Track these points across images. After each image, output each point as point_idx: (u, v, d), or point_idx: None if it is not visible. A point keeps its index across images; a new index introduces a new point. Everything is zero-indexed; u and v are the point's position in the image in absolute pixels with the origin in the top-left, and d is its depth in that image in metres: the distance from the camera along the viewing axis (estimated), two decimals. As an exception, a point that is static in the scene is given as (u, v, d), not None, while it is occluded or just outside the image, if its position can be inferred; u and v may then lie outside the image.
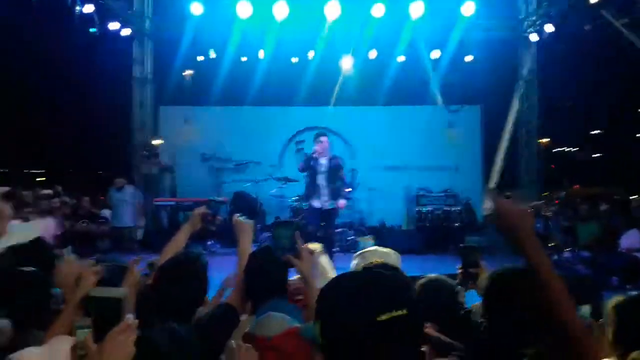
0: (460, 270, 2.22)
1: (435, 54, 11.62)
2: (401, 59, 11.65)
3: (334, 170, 7.07)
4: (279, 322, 1.69)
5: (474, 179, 11.23)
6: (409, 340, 0.96)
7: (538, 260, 1.46)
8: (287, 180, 9.91)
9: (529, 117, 11.83)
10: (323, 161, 7.12)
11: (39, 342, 2.34)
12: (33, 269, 2.59)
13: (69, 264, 2.18)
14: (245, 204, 9.84)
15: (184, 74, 12.11)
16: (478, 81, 11.00)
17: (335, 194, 6.98)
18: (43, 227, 7.43)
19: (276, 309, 1.93)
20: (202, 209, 2.78)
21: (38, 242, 2.68)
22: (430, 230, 9.88)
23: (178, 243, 2.60)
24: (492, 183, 13.99)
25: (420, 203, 10.32)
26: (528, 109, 11.84)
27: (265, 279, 2.14)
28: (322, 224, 6.87)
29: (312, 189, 7.12)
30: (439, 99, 12.17)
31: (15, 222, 6.93)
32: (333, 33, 10.59)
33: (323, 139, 7.24)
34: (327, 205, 6.89)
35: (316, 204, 7.03)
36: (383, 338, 0.93)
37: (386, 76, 11.62)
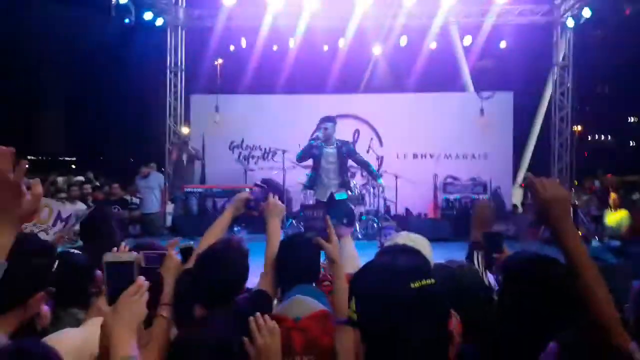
0: (483, 256, 2.22)
1: (467, 40, 11.44)
2: (432, 45, 11.51)
3: (344, 158, 6.40)
4: (306, 304, 1.72)
5: (504, 168, 11.06)
6: (437, 309, 1.02)
7: (574, 244, 1.44)
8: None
9: (562, 104, 11.56)
10: (330, 150, 6.49)
11: (77, 322, 2.46)
12: (79, 252, 2.72)
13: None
14: (273, 190, 9.92)
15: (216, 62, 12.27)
16: (511, 67, 10.78)
17: (345, 186, 6.28)
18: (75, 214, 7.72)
19: (303, 293, 1.94)
20: (245, 194, 2.72)
21: None
22: (457, 219, 9.78)
23: (221, 227, 2.55)
24: (522, 173, 13.79)
25: (447, 191, 10.23)
26: (562, 95, 11.57)
27: (297, 266, 2.15)
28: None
29: (317, 181, 6.46)
30: (471, 85, 12.00)
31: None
32: (364, 20, 10.52)
33: (328, 124, 6.55)
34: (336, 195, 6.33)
35: (322, 197, 6.32)
36: (415, 305, 0.99)
37: (416, 63, 11.52)
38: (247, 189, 2.72)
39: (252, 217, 3.33)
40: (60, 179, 12.38)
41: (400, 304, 0.98)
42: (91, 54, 15.21)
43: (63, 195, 8.09)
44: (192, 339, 1.78)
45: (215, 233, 2.49)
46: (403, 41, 11.38)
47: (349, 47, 11.43)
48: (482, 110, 11.15)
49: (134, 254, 1.46)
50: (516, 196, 12.43)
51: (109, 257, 1.41)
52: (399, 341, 0.99)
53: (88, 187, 9.86)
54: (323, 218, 2.16)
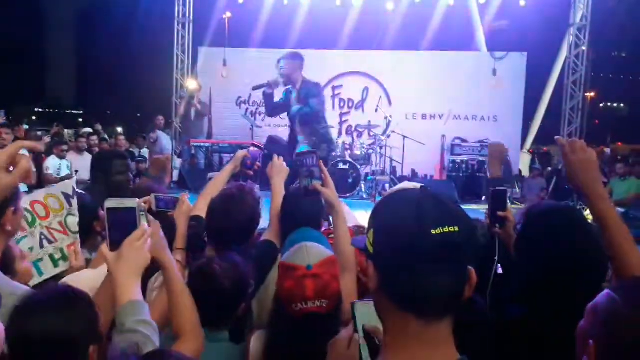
0: (487, 214, 2.22)
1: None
2: (448, 2, 11.20)
3: (305, 102, 5.59)
4: (315, 251, 1.73)
5: (513, 130, 10.94)
6: (457, 259, 0.96)
7: (604, 206, 1.47)
8: (322, 125, 9.89)
9: (577, 67, 11.32)
10: (295, 94, 5.73)
11: (86, 261, 2.51)
12: (84, 192, 2.76)
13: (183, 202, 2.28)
14: (278, 148, 9.90)
15: (223, 15, 12.02)
16: (526, 27, 10.49)
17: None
18: (84, 165, 7.80)
19: (304, 237, 1.95)
20: (243, 152, 2.84)
21: None
22: (462, 181, 9.77)
23: (221, 181, 2.66)
24: (532, 137, 13.65)
25: (455, 153, 10.17)
26: (576, 58, 11.31)
27: (299, 213, 2.19)
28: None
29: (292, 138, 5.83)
30: (484, 45, 11.75)
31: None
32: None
33: (283, 62, 5.68)
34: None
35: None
36: (433, 253, 0.93)
37: (430, 21, 11.26)
38: (254, 149, 2.76)
39: (254, 175, 3.39)
40: (67, 131, 12.41)
41: (417, 249, 0.93)
42: (100, 5, 14.95)
43: (65, 147, 8.08)
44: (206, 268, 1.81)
45: (216, 186, 2.57)
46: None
47: (362, 2, 11.16)
48: (494, 71, 10.94)
49: (136, 199, 1.45)
50: (524, 161, 12.36)
51: (111, 202, 1.39)
52: (412, 283, 0.95)
53: (95, 139, 9.87)
54: (317, 164, 2.16)
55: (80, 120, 18.09)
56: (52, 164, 7.18)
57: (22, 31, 16.38)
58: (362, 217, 2.99)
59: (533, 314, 1.54)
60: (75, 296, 1.35)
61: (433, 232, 0.93)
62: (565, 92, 11.42)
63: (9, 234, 1.63)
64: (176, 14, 11.84)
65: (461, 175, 9.88)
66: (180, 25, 11.91)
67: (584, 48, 11.22)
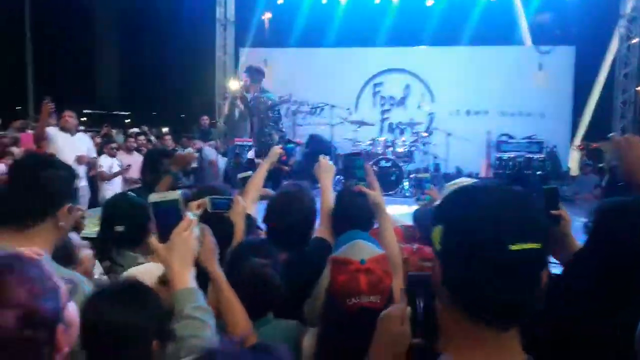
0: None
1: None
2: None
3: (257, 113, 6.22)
4: (368, 248, 1.75)
5: (562, 127, 10.62)
6: (535, 272, 0.90)
7: None
8: (362, 123, 9.85)
9: (628, 59, 10.84)
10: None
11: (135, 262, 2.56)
12: (134, 195, 2.84)
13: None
14: (320, 146, 9.93)
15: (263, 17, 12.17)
16: (574, 20, 10.14)
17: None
18: (133, 164, 8.09)
19: (355, 238, 1.95)
20: (279, 150, 2.90)
21: None
22: (510, 178, 9.53)
23: (260, 178, 2.72)
24: (581, 132, 13.16)
25: (501, 149, 9.93)
26: (627, 50, 10.84)
27: (354, 215, 2.22)
28: None
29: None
30: (529, 39, 11.43)
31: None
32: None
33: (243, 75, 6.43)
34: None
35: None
36: (511, 269, 0.86)
37: (471, 15, 11.04)
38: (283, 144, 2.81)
39: (287, 173, 3.45)
40: (115, 131, 12.85)
41: (492, 264, 0.86)
42: (143, 8, 15.36)
43: (115, 146, 8.39)
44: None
45: (256, 184, 2.67)
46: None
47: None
48: (540, 66, 10.63)
49: (178, 191, 1.50)
50: (573, 158, 11.95)
51: (154, 197, 1.45)
52: (484, 295, 0.89)
53: (142, 139, 10.17)
54: (363, 166, 2.18)
55: (128, 121, 18.67)
56: (104, 162, 7.55)
57: (72, 36, 17.09)
58: (404, 214, 2.98)
59: (602, 311, 1.48)
60: (143, 290, 1.41)
61: (512, 247, 0.86)
62: (617, 86, 10.97)
63: (61, 230, 1.65)
64: (217, 16, 12.04)
65: (508, 172, 9.65)
66: (222, 27, 12.11)
67: (635, 40, 10.73)
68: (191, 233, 1.42)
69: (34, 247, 1.48)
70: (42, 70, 16.77)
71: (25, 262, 1.02)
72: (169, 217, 1.43)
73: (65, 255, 1.94)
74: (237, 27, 12.16)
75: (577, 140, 13.10)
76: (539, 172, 9.52)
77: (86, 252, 2.23)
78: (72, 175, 1.72)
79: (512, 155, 9.74)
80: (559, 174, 9.67)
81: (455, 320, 0.94)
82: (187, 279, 1.39)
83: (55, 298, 1.01)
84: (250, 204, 2.46)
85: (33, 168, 1.64)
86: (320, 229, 2.38)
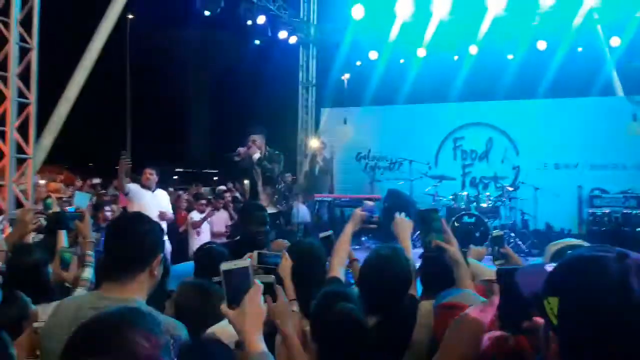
0: None
1: (615, 41, 10.44)
2: (578, 49, 10.70)
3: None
4: (474, 298, 1.75)
5: (662, 179, 9.84)
6: None
7: None
8: (442, 178, 9.73)
9: None
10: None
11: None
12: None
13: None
14: (398, 201, 9.87)
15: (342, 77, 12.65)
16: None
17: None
18: (220, 219, 8.50)
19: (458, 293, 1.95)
20: (361, 213, 2.89)
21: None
22: (606, 235, 8.87)
23: (346, 241, 2.73)
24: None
25: (595, 205, 9.32)
26: None
27: (442, 271, 2.18)
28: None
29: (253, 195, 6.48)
30: (620, 89, 10.92)
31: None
32: (497, 26, 10.15)
33: (255, 137, 6.45)
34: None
35: None
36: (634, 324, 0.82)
37: (556, 67, 10.78)
38: (367, 203, 2.81)
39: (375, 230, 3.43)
40: (204, 189, 13.57)
41: (624, 335, 0.82)
42: (231, 75, 16.46)
43: (204, 202, 8.87)
44: None
45: (344, 248, 2.68)
46: (541, 45, 10.70)
47: (480, 53, 11.06)
48: (634, 116, 10.07)
49: (248, 260, 1.58)
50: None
51: (225, 265, 1.53)
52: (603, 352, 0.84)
53: (228, 196, 10.65)
54: (440, 220, 2.17)
55: (215, 178, 19.67)
56: (195, 217, 8.04)
57: (166, 101, 18.60)
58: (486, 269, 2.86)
59: None
60: (227, 350, 1.49)
61: None
62: None
63: (155, 278, 1.83)
64: (300, 79, 12.66)
65: (604, 229, 9.01)
66: (304, 89, 12.68)
67: None
68: (260, 298, 1.50)
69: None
70: (140, 133, 18.28)
71: (143, 315, 1.07)
72: (239, 283, 1.50)
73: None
74: (318, 89, 12.70)
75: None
76: (638, 229, 8.82)
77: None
78: (161, 228, 1.92)
79: (606, 211, 9.10)
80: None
81: None
82: (259, 342, 1.46)
83: (169, 350, 1.04)
84: (337, 267, 2.49)
85: (131, 225, 1.85)
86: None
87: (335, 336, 1.80)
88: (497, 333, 1.29)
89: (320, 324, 1.83)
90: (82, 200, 3.54)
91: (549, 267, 1.01)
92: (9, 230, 2.61)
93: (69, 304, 1.81)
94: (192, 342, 1.68)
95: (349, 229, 2.76)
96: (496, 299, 1.20)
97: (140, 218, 1.89)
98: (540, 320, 1.13)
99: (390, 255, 2.25)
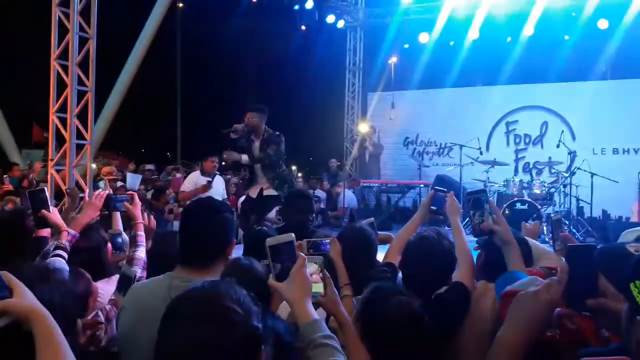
0: None
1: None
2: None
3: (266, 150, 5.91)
4: (534, 281, 1.69)
5: None
6: None
7: None
8: (494, 163, 9.43)
9: None
10: (257, 144, 6.08)
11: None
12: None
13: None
14: (447, 187, 9.66)
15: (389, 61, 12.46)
16: None
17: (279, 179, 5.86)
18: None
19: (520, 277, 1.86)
20: (427, 202, 2.77)
21: None
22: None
23: (412, 230, 2.62)
24: None
25: (656, 192, 8.85)
26: None
27: (497, 253, 2.08)
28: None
29: (250, 178, 6.24)
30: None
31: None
32: (553, 5, 9.71)
33: (250, 114, 6.04)
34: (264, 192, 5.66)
35: (252, 193, 5.89)
36: None
37: (612, 46, 10.22)
38: (439, 194, 2.71)
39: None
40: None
41: None
42: (278, 59, 16.51)
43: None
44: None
45: (406, 238, 2.55)
46: (602, 24, 10.14)
47: (533, 34, 10.62)
48: None
49: (292, 234, 1.60)
50: None
51: (270, 241, 1.56)
52: None
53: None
54: (488, 202, 2.07)
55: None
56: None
57: (214, 84, 18.95)
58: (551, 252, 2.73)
59: None
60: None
61: None
62: None
63: (228, 261, 2.00)
64: (347, 64, 12.56)
65: (667, 217, 8.55)
66: (351, 74, 12.58)
67: None
68: (306, 270, 1.53)
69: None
70: (189, 122, 18.77)
71: (233, 287, 1.15)
72: (284, 257, 1.54)
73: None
74: (364, 73, 12.57)
75: None
76: None
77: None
78: (234, 215, 1.94)
79: (671, 198, 8.62)
80: None
81: None
82: (310, 311, 1.49)
83: (259, 317, 1.13)
84: (396, 254, 2.46)
85: (211, 215, 1.93)
86: (458, 271, 2.25)
87: (392, 332, 1.75)
88: (563, 310, 1.29)
89: (374, 320, 1.79)
90: (133, 182, 3.65)
91: (631, 248, 0.96)
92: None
93: (154, 284, 1.92)
94: None
95: (416, 219, 2.68)
96: (564, 277, 1.16)
97: (217, 207, 1.98)
98: (604, 300, 1.17)
99: (435, 238, 2.21)
